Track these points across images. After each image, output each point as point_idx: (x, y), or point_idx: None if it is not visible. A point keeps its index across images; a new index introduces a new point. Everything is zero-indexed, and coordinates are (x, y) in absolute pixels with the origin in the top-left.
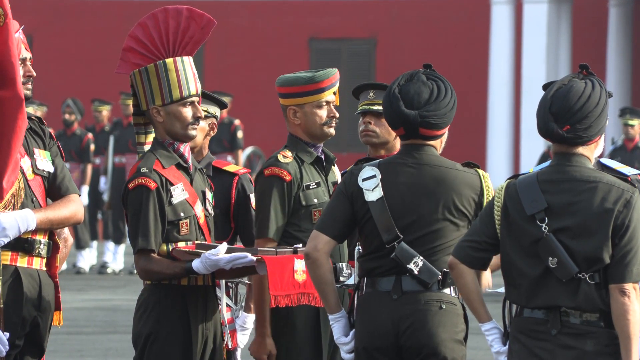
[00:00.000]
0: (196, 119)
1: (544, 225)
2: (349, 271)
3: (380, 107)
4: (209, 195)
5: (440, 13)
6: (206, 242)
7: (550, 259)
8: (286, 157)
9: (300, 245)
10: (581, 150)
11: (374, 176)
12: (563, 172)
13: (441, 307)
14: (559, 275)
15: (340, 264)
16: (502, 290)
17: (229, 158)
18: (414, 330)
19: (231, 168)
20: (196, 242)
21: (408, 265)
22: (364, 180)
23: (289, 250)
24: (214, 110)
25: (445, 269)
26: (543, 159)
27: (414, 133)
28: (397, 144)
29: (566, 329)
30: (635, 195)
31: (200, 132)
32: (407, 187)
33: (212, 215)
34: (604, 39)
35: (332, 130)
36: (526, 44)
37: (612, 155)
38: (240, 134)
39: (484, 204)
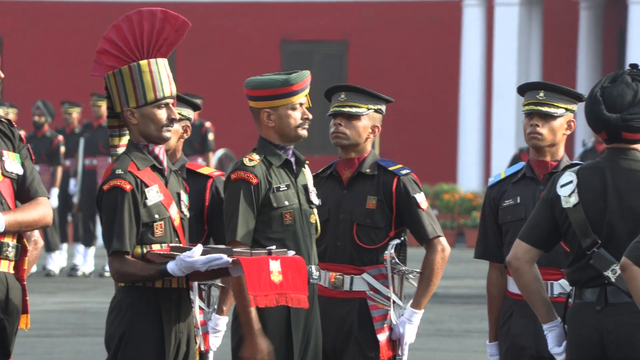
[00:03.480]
0: (170, 120)
1: None
2: (318, 273)
3: (352, 109)
4: (184, 197)
5: (412, 15)
6: (181, 245)
7: None
8: (252, 160)
9: (274, 247)
10: None
11: (571, 182)
12: None
13: None
14: None
15: (310, 266)
16: None
17: (200, 160)
18: (620, 343)
19: (205, 170)
20: (171, 244)
21: (605, 273)
22: (562, 186)
23: (263, 252)
24: (188, 112)
25: None
26: (514, 160)
27: (616, 137)
28: (368, 145)
29: None
30: None
31: (174, 135)
32: (606, 192)
33: (187, 217)
34: (575, 41)
35: (305, 132)
36: (497, 46)
37: (583, 158)
38: (211, 137)
39: None
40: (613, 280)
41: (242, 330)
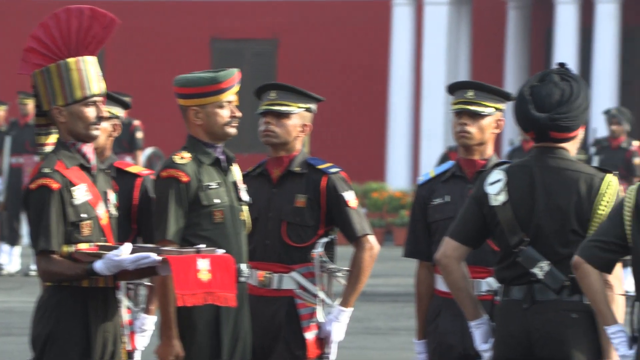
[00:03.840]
0: (99, 119)
1: None
2: (249, 271)
3: (282, 108)
4: (112, 196)
5: (342, 14)
6: (108, 244)
7: None
8: (183, 158)
9: (204, 245)
10: None
11: (500, 180)
12: None
13: (572, 316)
14: None
15: (240, 264)
16: (631, 292)
17: (129, 159)
18: (546, 341)
19: (134, 169)
20: (98, 243)
21: (532, 270)
22: (490, 184)
23: (192, 250)
24: (117, 110)
25: (572, 275)
26: (443, 159)
27: (544, 136)
28: (298, 144)
29: None
30: None
31: (103, 133)
32: (534, 190)
33: (115, 216)
34: (503, 40)
35: (233, 131)
36: (426, 45)
37: (510, 156)
38: (139, 135)
39: (600, 209)
40: (540, 277)
41: (161, 329)
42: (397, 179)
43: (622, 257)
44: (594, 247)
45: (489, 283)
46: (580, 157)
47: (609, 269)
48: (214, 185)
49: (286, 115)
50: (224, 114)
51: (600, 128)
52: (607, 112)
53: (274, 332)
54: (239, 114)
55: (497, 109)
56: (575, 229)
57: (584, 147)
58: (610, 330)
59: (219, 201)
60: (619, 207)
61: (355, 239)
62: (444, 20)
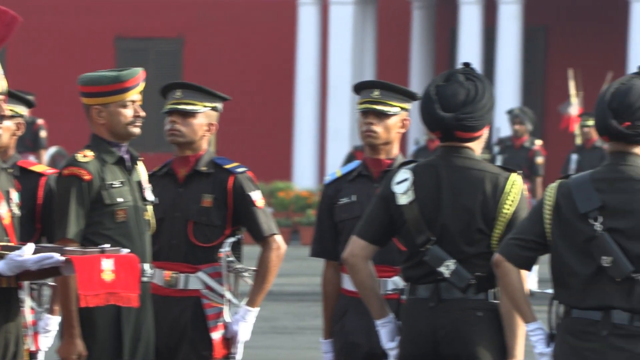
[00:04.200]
0: (1, 117)
1: (597, 224)
2: (152, 271)
3: (188, 107)
4: (14, 195)
5: (247, 13)
6: (11, 244)
7: (603, 258)
8: (86, 156)
9: (108, 245)
10: (638, 150)
11: (407, 179)
12: (618, 171)
13: (478, 314)
14: (613, 274)
15: (143, 264)
16: (549, 291)
17: (32, 158)
18: (452, 339)
19: (38, 168)
20: (1, 243)
21: (439, 269)
22: (397, 183)
23: (96, 250)
24: (20, 109)
25: (478, 273)
26: (349, 159)
27: (450, 136)
28: (204, 143)
29: (618, 330)
30: None
31: (6, 132)
32: (440, 189)
33: (18, 215)
34: (408, 40)
35: (137, 130)
36: (332, 44)
37: (416, 156)
38: (43, 134)
39: (505, 208)
40: (447, 276)
41: (63, 327)
42: (304, 178)
43: (541, 255)
44: (514, 245)
45: (395, 282)
46: (484, 156)
47: (528, 267)
48: (117, 184)
49: (192, 114)
50: (127, 113)
51: (503, 127)
52: (510, 112)
53: (180, 332)
54: (142, 113)
55: (402, 108)
56: (481, 227)
57: (487, 146)
58: (529, 328)
59: (122, 200)
60: (538, 205)
61: (262, 239)
62: (349, 19)
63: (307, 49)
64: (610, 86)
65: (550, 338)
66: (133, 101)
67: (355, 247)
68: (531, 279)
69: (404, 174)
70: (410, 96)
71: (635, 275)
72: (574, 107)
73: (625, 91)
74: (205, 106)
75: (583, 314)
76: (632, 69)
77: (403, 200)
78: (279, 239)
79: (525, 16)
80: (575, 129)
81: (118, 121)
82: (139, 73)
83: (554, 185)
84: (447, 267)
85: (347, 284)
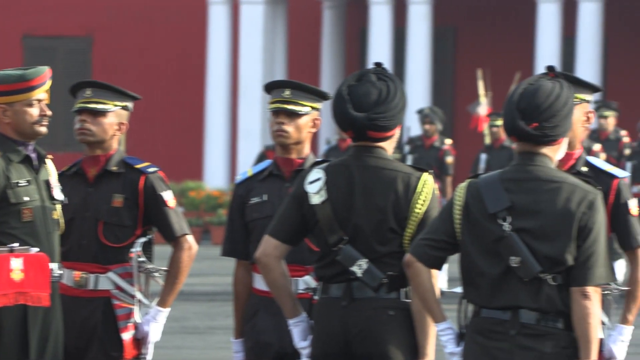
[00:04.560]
0: None
1: (506, 224)
2: (61, 271)
3: (98, 106)
4: None
5: (157, 12)
6: None
7: (512, 258)
8: None
9: (17, 244)
10: (545, 150)
11: (319, 179)
12: (527, 172)
13: (390, 313)
14: (521, 274)
15: (51, 264)
16: (459, 290)
17: None
18: (363, 337)
19: None
20: None
21: (351, 268)
22: (310, 183)
23: (4, 250)
24: None
25: (390, 273)
26: (260, 158)
27: (362, 135)
28: (115, 143)
29: (525, 330)
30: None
31: None
32: (353, 189)
33: None
34: (319, 40)
35: (43, 129)
36: (243, 44)
37: (327, 155)
38: None
39: (417, 208)
40: (359, 275)
41: None
42: (215, 178)
43: (452, 254)
44: (424, 246)
45: (307, 281)
46: (395, 156)
47: (439, 267)
48: (23, 182)
49: (102, 113)
50: (33, 112)
51: (413, 127)
52: (420, 112)
53: (90, 333)
54: (49, 112)
55: (314, 108)
56: (393, 227)
57: (398, 146)
58: (439, 327)
59: (28, 199)
60: (448, 205)
61: (174, 239)
62: (260, 19)
63: (218, 48)
64: (519, 87)
65: (460, 337)
66: (39, 100)
67: (268, 246)
68: (441, 278)
69: (317, 173)
70: (321, 96)
71: (543, 275)
72: (483, 107)
73: (533, 92)
74: (115, 105)
75: (492, 313)
76: (539, 69)
77: (315, 199)
78: (190, 238)
79: (434, 17)
80: (484, 128)
81: (24, 120)
82: (45, 72)
83: (463, 185)
84: (360, 267)
85: (259, 283)
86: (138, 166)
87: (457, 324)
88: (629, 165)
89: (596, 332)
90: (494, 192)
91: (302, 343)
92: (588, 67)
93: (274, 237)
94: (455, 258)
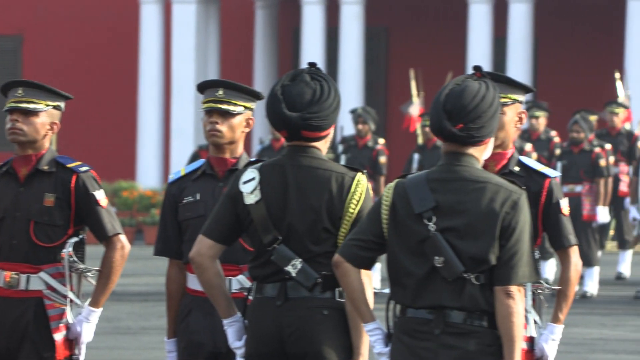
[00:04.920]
0: None
1: (431, 224)
2: None
3: (30, 105)
4: None
5: (89, 11)
6: None
7: (436, 258)
8: None
9: None
10: (471, 150)
11: (253, 178)
12: (452, 172)
13: (324, 312)
14: (445, 274)
15: None
16: (387, 290)
17: None
18: (298, 337)
19: None
20: None
21: (286, 268)
22: (244, 183)
23: None
24: None
25: (325, 272)
26: (193, 158)
27: (296, 135)
28: (46, 142)
29: (450, 329)
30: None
31: None
32: (287, 189)
33: None
34: (252, 39)
35: None
36: (175, 43)
37: (260, 155)
38: None
39: (351, 207)
40: (293, 275)
41: None
42: (148, 177)
43: (381, 254)
44: (353, 246)
45: (240, 281)
46: (328, 155)
47: (368, 267)
48: None
49: (34, 113)
50: None
51: (346, 127)
52: (354, 112)
53: (21, 334)
54: None
55: (247, 107)
56: (327, 227)
57: (332, 146)
58: (368, 327)
59: None
60: (376, 205)
61: (106, 239)
62: (192, 19)
63: (150, 47)
64: (445, 87)
65: (388, 338)
66: None
67: (202, 246)
68: (375, 278)
69: (251, 173)
70: (254, 95)
71: (467, 275)
72: (415, 107)
73: (459, 93)
74: (47, 105)
75: (417, 313)
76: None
77: (250, 199)
78: (123, 238)
79: (367, 17)
80: (417, 128)
81: None
82: None
83: (391, 185)
84: (294, 266)
85: (192, 283)
86: (70, 165)
87: (385, 324)
88: (559, 165)
89: (520, 331)
90: (420, 192)
91: (236, 343)
92: (519, 67)
93: (209, 237)
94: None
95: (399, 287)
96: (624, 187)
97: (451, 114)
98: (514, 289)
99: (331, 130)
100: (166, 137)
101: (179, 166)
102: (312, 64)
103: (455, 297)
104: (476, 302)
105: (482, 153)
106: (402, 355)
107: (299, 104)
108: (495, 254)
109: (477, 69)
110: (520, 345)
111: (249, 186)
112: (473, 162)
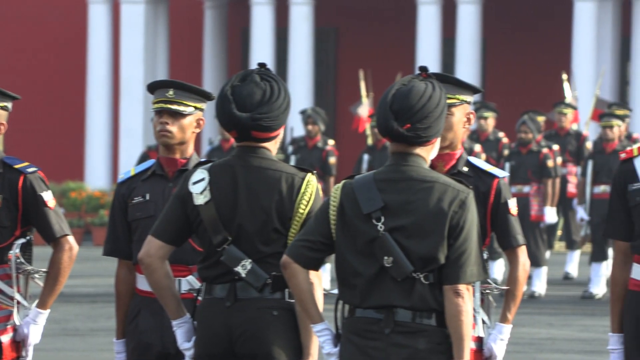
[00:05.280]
0: None
1: (379, 224)
2: None
3: None
4: None
5: (37, 11)
6: None
7: (385, 258)
8: None
9: None
10: (418, 150)
11: (203, 179)
12: (400, 172)
13: (273, 313)
14: (394, 274)
15: None
16: (335, 290)
17: None
18: (247, 338)
19: None
20: None
21: (235, 269)
22: (194, 183)
23: None
24: None
25: (274, 273)
26: (142, 159)
27: (246, 135)
28: None
29: (399, 328)
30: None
31: None
32: (237, 189)
33: None
34: (201, 40)
35: None
36: (124, 43)
37: (210, 155)
38: None
39: (301, 208)
40: (243, 276)
41: None
42: (96, 178)
43: (329, 255)
44: (301, 247)
45: (190, 282)
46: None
47: (316, 268)
48: None
49: None
50: None
51: (296, 128)
52: (303, 112)
53: None
54: None
55: (197, 108)
56: (277, 227)
57: (281, 146)
58: (316, 328)
59: None
60: (324, 206)
61: (54, 240)
62: (141, 19)
63: (99, 47)
64: (391, 88)
65: (337, 338)
66: None
67: (152, 247)
68: (324, 278)
69: (201, 173)
70: (205, 96)
71: (416, 275)
72: (365, 108)
73: (406, 93)
74: None
75: (366, 313)
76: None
77: (200, 200)
78: (71, 239)
79: (316, 17)
80: (366, 129)
81: None
82: None
83: (339, 186)
84: (244, 267)
85: (141, 283)
86: (17, 166)
87: (334, 324)
88: (507, 165)
89: (469, 329)
90: (368, 192)
91: (185, 344)
92: (468, 68)
93: (158, 238)
94: None
95: (347, 287)
96: (572, 187)
97: (398, 114)
98: (462, 287)
99: (281, 131)
100: (115, 138)
101: (128, 167)
102: (262, 65)
103: (405, 296)
104: (425, 302)
105: (429, 153)
106: (352, 355)
107: (249, 105)
108: (444, 253)
109: (423, 69)
110: (469, 344)
111: (199, 187)
112: (420, 162)
